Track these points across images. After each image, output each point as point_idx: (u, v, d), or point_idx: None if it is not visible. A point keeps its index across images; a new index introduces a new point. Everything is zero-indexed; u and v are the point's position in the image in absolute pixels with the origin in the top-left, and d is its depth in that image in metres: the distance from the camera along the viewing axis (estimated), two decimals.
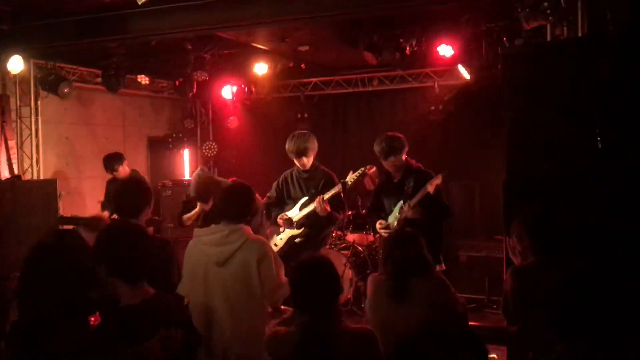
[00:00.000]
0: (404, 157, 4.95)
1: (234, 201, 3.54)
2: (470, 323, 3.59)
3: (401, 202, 4.88)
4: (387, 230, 4.93)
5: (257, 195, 6.46)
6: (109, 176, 7.24)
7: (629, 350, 2.19)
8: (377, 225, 5.07)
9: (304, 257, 2.79)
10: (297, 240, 5.23)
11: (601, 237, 3.67)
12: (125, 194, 3.53)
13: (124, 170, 7.00)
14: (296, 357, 2.51)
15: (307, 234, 5.20)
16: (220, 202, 3.62)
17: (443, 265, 4.92)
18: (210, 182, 5.55)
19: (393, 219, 4.97)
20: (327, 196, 4.99)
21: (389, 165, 5.00)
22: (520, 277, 3.15)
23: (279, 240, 5.30)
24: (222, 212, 3.53)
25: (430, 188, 4.67)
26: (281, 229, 5.29)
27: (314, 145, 5.18)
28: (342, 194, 5.17)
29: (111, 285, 2.52)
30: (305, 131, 5.32)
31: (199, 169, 6.17)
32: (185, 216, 5.82)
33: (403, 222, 4.83)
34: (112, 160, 6.98)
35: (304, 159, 5.15)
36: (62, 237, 2.66)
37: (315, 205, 4.99)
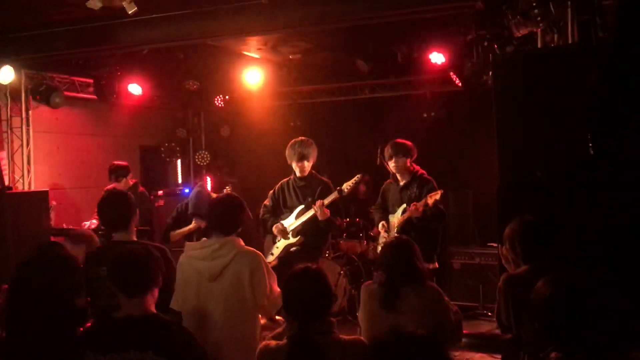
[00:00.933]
0: (408, 162, 5.31)
1: (223, 214, 3.51)
2: (464, 331, 3.57)
3: (404, 205, 5.23)
4: (386, 235, 5.29)
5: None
6: (102, 186, 7.20)
7: (622, 356, 2.19)
8: (380, 226, 5.41)
9: (296, 266, 2.77)
10: (293, 248, 5.21)
11: (593, 244, 3.67)
12: (113, 209, 3.50)
13: (126, 183, 6.95)
14: None
15: (303, 242, 5.19)
16: (210, 215, 3.59)
17: (436, 264, 5.27)
18: (209, 200, 5.56)
19: (395, 219, 5.32)
20: (326, 201, 5.01)
21: (393, 167, 5.34)
22: (513, 285, 3.14)
23: (276, 249, 5.28)
24: (212, 225, 3.51)
25: (430, 201, 4.99)
26: (277, 238, 5.27)
27: (314, 152, 5.26)
28: (338, 201, 5.19)
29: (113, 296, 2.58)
30: (308, 138, 5.36)
31: (198, 185, 6.13)
32: (174, 232, 5.74)
33: (403, 222, 5.18)
34: (118, 171, 6.93)
35: (305, 163, 5.19)
36: (48, 251, 2.66)
37: (315, 209, 4.99)
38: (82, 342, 2.44)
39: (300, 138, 5.33)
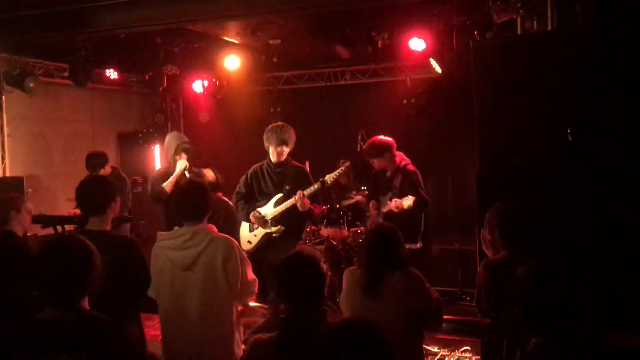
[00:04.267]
0: (385, 159, 5.57)
1: (189, 202, 3.46)
2: (444, 317, 3.59)
3: (390, 193, 5.52)
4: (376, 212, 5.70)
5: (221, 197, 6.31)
6: (79, 173, 7.09)
7: (600, 339, 2.21)
8: (370, 205, 5.81)
9: (291, 252, 2.77)
10: (275, 235, 5.17)
11: (571, 228, 3.72)
12: (88, 192, 3.45)
13: (104, 172, 6.86)
14: (277, 352, 2.47)
15: (284, 230, 5.16)
16: (177, 206, 3.55)
17: (420, 243, 5.61)
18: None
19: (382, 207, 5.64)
20: (307, 192, 4.98)
21: (374, 164, 5.68)
22: (492, 270, 3.16)
23: (253, 238, 5.22)
24: (181, 215, 3.46)
25: (405, 205, 5.15)
26: (254, 225, 5.21)
27: (293, 138, 5.21)
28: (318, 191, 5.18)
29: None
30: (287, 124, 5.32)
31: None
32: (164, 185, 5.68)
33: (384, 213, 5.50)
34: (95, 160, 6.83)
35: (284, 148, 5.13)
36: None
37: (295, 200, 4.95)
38: (12, 347, 2.23)
39: (279, 123, 5.26)
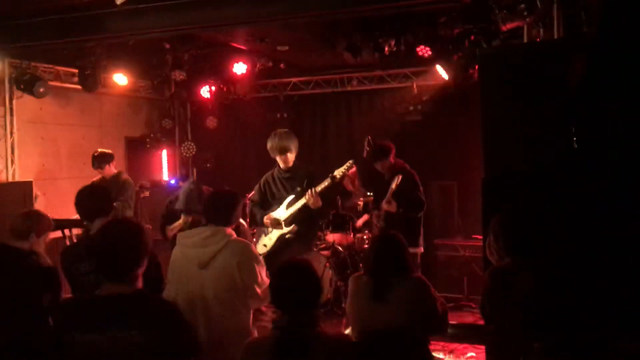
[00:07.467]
0: (391, 159, 5.99)
1: (218, 207, 3.52)
2: (449, 322, 3.62)
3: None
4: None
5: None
6: (87, 177, 7.16)
7: (603, 345, 2.24)
8: (374, 217, 6.12)
9: (285, 260, 2.79)
10: (288, 236, 5.22)
11: (577, 236, 3.73)
12: (87, 200, 3.50)
13: (109, 169, 6.92)
14: (273, 357, 2.50)
15: (297, 230, 5.20)
16: (205, 208, 3.61)
17: (421, 248, 5.97)
18: (201, 196, 5.43)
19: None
20: (318, 189, 5.03)
21: (378, 167, 6.05)
22: (497, 277, 3.18)
23: (268, 241, 5.28)
24: (208, 217, 3.52)
25: (394, 185, 5.65)
26: (269, 229, 5.27)
27: (296, 143, 5.25)
28: (330, 190, 5.21)
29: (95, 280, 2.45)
30: (287, 130, 5.36)
31: (191, 183, 6.07)
32: (169, 227, 5.74)
33: (384, 215, 5.78)
34: (101, 158, 6.89)
35: (288, 155, 5.18)
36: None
37: (307, 198, 4.99)
38: (60, 322, 2.33)
39: (278, 131, 5.30)
